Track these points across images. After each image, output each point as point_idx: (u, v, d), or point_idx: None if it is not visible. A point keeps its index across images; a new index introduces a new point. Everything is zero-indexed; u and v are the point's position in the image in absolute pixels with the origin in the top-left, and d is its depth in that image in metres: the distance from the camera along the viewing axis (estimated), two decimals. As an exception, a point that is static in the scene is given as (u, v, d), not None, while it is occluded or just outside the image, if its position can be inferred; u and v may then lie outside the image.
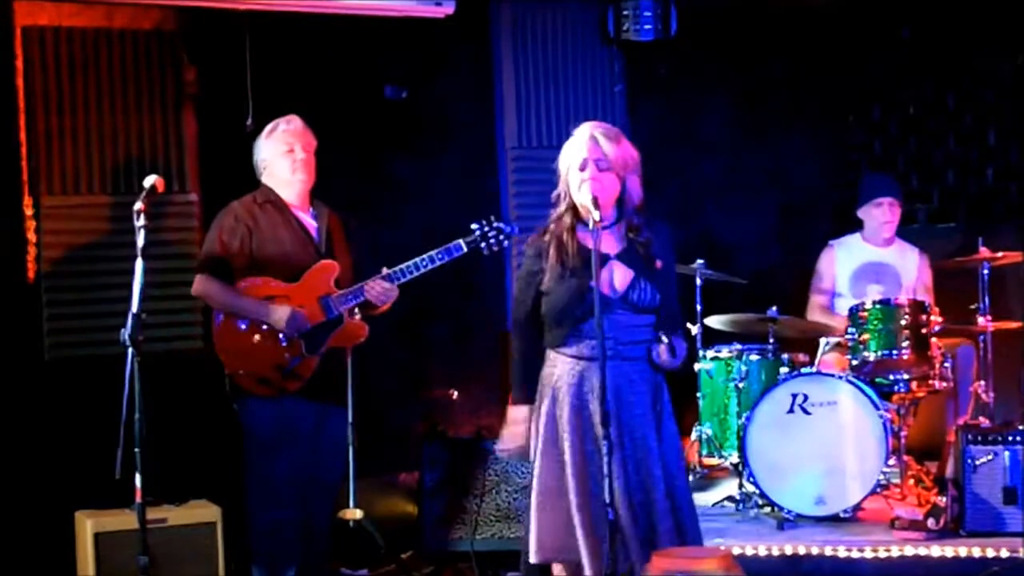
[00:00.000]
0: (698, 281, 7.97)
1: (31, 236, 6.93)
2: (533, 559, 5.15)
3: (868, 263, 8.10)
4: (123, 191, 6.89)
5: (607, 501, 4.85)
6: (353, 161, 6.54)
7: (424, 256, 6.14)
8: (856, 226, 8.18)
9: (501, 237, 6.10)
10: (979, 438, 6.83)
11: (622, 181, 5.14)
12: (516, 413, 5.24)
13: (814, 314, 8.11)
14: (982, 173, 8.85)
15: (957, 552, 6.57)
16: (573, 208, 5.18)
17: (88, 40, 7.07)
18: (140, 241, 5.15)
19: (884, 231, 8.06)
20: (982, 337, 7.54)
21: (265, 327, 6.03)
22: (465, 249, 6.14)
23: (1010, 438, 6.76)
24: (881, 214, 8.03)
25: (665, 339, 5.10)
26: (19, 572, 6.49)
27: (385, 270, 6.12)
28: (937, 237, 8.61)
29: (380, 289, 6.12)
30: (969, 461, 6.80)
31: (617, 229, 5.14)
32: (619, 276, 5.11)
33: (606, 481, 4.85)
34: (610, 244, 5.10)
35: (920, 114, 9.05)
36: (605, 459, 4.86)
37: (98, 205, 7.07)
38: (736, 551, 6.45)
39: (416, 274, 6.15)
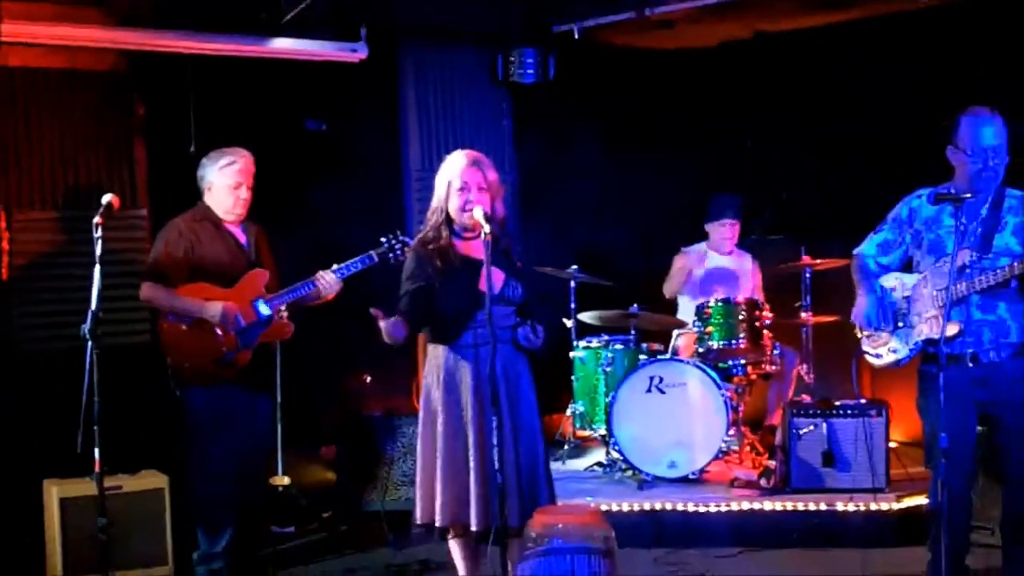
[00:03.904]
0: (572, 283, 8.03)
1: (4, 245, 6.82)
2: (440, 522, 5.15)
3: (714, 268, 8.24)
4: (83, 207, 6.79)
5: (496, 467, 4.91)
6: (279, 182, 6.53)
7: (342, 265, 6.15)
8: (703, 237, 8.32)
9: (406, 249, 6.12)
10: (802, 412, 6.97)
11: (492, 201, 5.21)
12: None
13: (672, 283, 8.25)
14: (807, 194, 8.99)
15: (785, 506, 6.75)
16: (448, 221, 5.23)
17: (54, 79, 6.97)
18: (98, 250, 5.11)
19: (726, 245, 8.23)
20: (805, 329, 7.68)
21: (205, 326, 6.02)
22: (376, 259, 6.16)
23: (827, 411, 6.90)
24: (725, 231, 8.19)
25: (529, 324, 5.20)
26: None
27: (335, 266, 6.14)
28: (770, 247, 8.70)
29: (329, 279, 6.12)
30: (794, 431, 6.93)
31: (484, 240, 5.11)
32: (496, 277, 5.16)
33: (495, 451, 4.93)
34: (484, 252, 5.10)
35: (757, 146, 9.19)
36: (495, 432, 4.93)
37: (62, 219, 6.97)
38: (604, 508, 6.60)
39: (347, 275, 6.20)
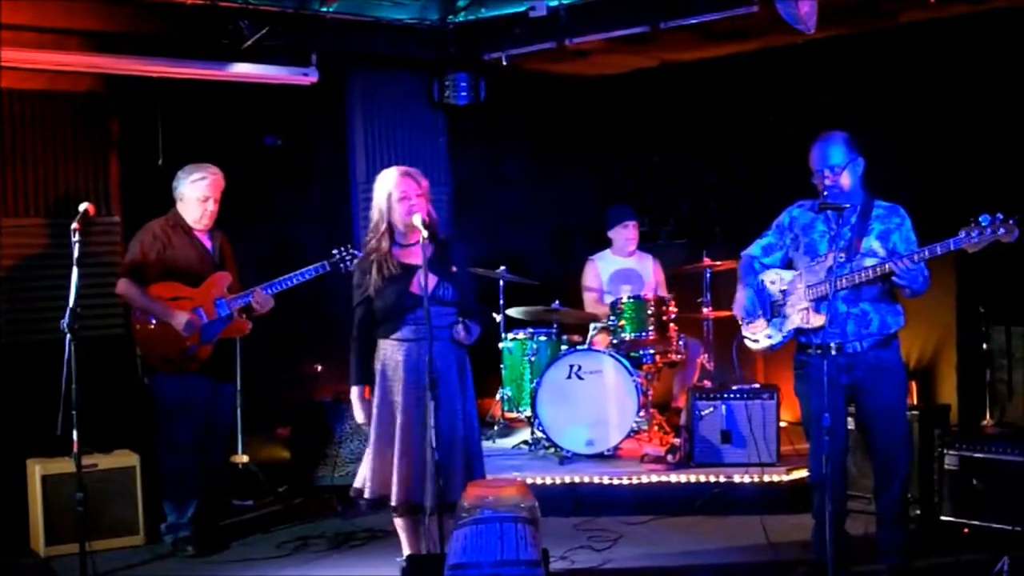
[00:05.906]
0: (501, 283, 8.03)
1: (-10, 249, 6.76)
2: (368, 495, 5.16)
3: (619, 270, 8.23)
4: (63, 215, 6.70)
5: (433, 445, 4.90)
6: (239, 193, 6.49)
7: (298, 272, 6.17)
8: (607, 244, 8.33)
9: (355, 260, 6.13)
10: (704, 395, 7.03)
11: (427, 204, 5.21)
12: (360, 392, 5.22)
13: (590, 307, 8.22)
14: (706, 204, 9.03)
15: (689, 478, 6.80)
16: (390, 231, 5.21)
17: (36, 99, 6.85)
18: (75, 252, 5.08)
19: (628, 246, 8.23)
20: (706, 323, 7.76)
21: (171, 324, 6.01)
22: (329, 268, 6.21)
23: (725, 395, 6.98)
24: (627, 233, 8.19)
25: (462, 323, 5.20)
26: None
27: (264, 284, 6.14)
28: (674, 250, 8.74)
29: (261, 295, 6.13)
30: (697, 412, 6.98)
31: (423, 244, 5.09)
32: (429, 280, 5.11)
33: (431, 431, 4.92)
34: (420, 256, 5.08)
35: (663, 163, 9.22)
36: (432, 415, 4.93)
37: (45, 225, 6.87)
38: (529, 481, 6.61)
39: (292, 285, 6.19)
